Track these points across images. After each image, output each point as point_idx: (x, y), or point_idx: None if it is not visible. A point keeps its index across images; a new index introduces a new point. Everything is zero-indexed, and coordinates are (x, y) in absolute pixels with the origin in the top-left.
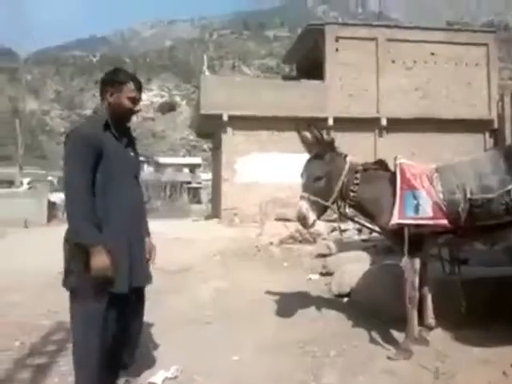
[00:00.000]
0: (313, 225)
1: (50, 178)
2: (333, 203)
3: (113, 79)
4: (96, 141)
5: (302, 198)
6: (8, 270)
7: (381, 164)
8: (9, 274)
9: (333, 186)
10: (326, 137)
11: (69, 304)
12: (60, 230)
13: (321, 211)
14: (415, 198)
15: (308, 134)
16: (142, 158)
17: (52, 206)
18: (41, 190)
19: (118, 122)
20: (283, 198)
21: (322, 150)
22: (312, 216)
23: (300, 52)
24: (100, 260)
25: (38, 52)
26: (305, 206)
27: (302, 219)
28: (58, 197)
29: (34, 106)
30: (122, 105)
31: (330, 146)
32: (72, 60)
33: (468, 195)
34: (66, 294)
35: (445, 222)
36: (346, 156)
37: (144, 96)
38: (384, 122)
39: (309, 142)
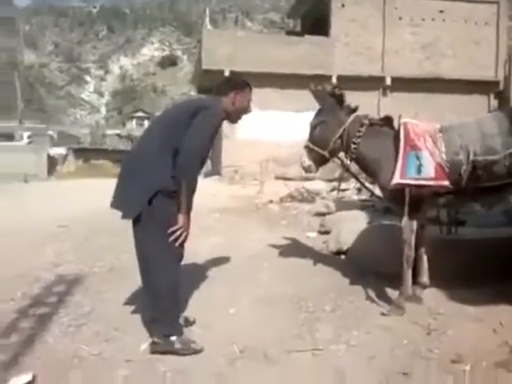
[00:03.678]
0: (309, 169)
1: (50, 132)
2: (333, 155)
3: (244, 82)
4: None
5: (304, 146)
6: (8, 223)
7: (387, 121)
8: (9, 226)
9: (329, 135)
10: (336, 90)
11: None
12: (60, 184)
13: (319, 160)
14: (418, 158)
15: (320, 88)
16: (142, 114)
17: (51, 160)
18: (41, 145)
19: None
20: (284, 157)
21: (331, 103)
22: (307, 161)
23: (305, 7)
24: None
25: (36, 1)
26: (304, 152)
27: (300, 164)
28: (58, 151)
29: (32, 58)
30: (245, 106)
31: (340, 99)
32: (71, 11)
33: (471, 156)
34: (66, 248)
35: (446, 183)
36: (353, 109)
37: (145, 50)
38: (388, 81)
39: (321, 96)
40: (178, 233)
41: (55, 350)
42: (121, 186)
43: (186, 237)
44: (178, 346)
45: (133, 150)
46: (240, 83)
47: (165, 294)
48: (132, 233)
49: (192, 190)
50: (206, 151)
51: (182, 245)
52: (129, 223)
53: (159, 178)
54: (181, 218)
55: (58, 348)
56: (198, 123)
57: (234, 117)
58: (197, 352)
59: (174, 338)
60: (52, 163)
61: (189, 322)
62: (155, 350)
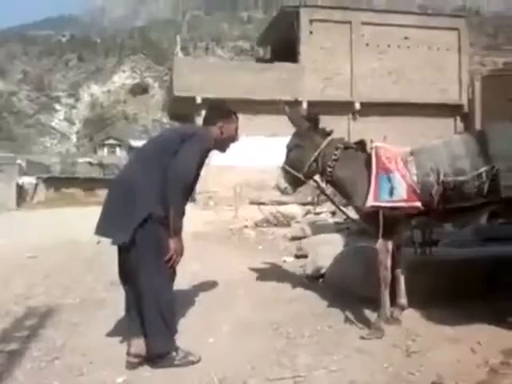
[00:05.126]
0: (285, 191)
1: (18, 161)
2: (309, 177)
3: (229, 110)
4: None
5: (281, 167)
6: None
7: (361, 144)
8: None
9: (305, 158)
10: (312, 115)
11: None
12: (30, 213)
13: (295, 182)
14: (390, 181)
15: (295, 112)
16: (114, 142)
17: (21, 189)
18: (9, 174)
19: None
20: (257, 182)
21: (306, 127)
22: (283, 183)
23: (274, 34)
24: (180, 244)
25: (3, 30)
26: (280, 174)
27: (277, 186)
28: (27, 180)
29: (0, 86)
30: (233, 134)
31: (315, 122)
32: (40, 39)
33: (441, 178)
34: (37, 279)
35: (418, 204)
36: (328, 133)
37: (116, 78)
38: (358, 106)
39: (295, 119)
40: (173, 257)
41: None
42: (108, 213)
43: (179, 259)
44: (177, 362)
45: (118, 177)
46: (226, 112)
47: (159, 314)
48: (117, 258)
49: (180, 216)
50: (194, 178)
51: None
52: (101, 253)
53: (148, 204)
54: (172, 243)
55: None
56: (184, 151)
57: (222, 146)
58: (195, 362)
59: (173, 354)
60: (21, 193)
61: None
62: (158, 367)
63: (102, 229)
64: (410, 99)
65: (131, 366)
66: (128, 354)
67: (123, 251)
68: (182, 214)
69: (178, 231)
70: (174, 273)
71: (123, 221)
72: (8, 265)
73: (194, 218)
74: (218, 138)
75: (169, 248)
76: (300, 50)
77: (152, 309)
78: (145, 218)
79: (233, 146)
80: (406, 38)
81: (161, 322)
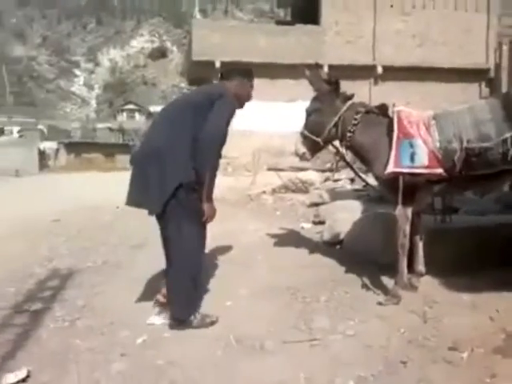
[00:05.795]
0: (304, 157)
1: (40, 126)
2: (328, 142)
3: (247, 70)
4: None
5: (300, 133)
6: (0, 217)
7: (383, 109)
8: (1, 221)
9: (324, 123)
10: (332, 78)
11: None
12: (51, 178)
13: (313, 147)
14: (411, 146)
15: (315, 75)
16: (133, 107)
17: (42, 154)
18: (31, 139)
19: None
20: (276, 147)
21: (326, 90)
22: (302, 148)
23: None
24: (213, 208)
25: None
26: (299, 140)
27: (295, 151)
28: (48, 145)
29: (20, 51)
30: (247, 93)
31: (335, 85)
32: (58, 2)
33: (465, 144)
34: (59, 242)
35: (440, 170)
36: (349, 96)
37: (134, 42)
38: (380, 70)
39: (316, 82)
40: (207, 221)
41: (50, 345)
42: (138, 183)
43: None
44: (195, 324)
45: (144, 144)
46: (243, 71)
47: (187, 281)
48: (156, 224)
49: (214, 180)
50: (225, 141)
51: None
52: (120, 217)
53: (179, 171)
54: (206, 208)
55: (52, 343)
56: (216, 113)
57: (239, 103)
58: (213, 323)
59: (191, 318)
60: (43, 158)
61: None
62: (174, 328)
63: (134, 199)
64: (435, 63)
65: (159, 304)
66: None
67: (158, 220)
68: (215, 178)
69: (210, 196)
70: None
71: (154, 190)
72: (32, 228)
73: None
74: (235, 95)
75: (202, 214)
76: (322, 11)
77: (180, 276)
78: (176, 187)
79: (252, 111)
80: None
81: (187, 289)
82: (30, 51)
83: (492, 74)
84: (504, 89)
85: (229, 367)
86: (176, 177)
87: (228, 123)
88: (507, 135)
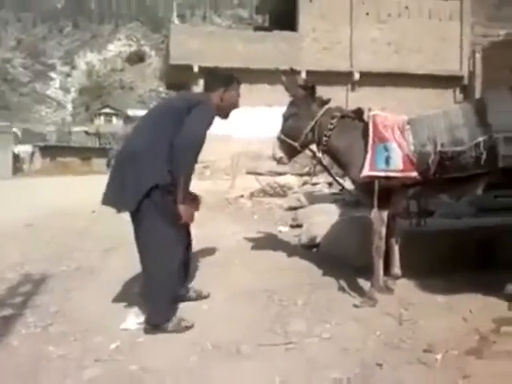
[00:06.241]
0: (281, 161)
1: (14, 129)
2: (305, 146)
3: (232, 77)
4: None
5: (277, 137)
6: None
7: (359, 113)
8: None
9: (301, 127)
10: (308, 83)
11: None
12: (26, 182)
13: (290, 152)
14: (386, 150)
15: (291, 80)
16: (110, 111)
17: (17, 158)
18: (5, 142)
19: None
20: (255, 152)
21: (302, 95)
22: (279, 152)
23: (273, 2)
24: (189, 210)
25: None
26: (276, 144)
27: (273, 155)
28: (23, 149)
29: None
30: (234, 101)
31: (311, 90)
32: (34, 5)
33: (438, 147)
34: (32, 247)
35: (415, 174)
36: (325, 101)
37: (111, 46)
38: (356, 76)
39: (291, 88)
40: (186, 223)
41: (21, 352)
42: (114, 183)
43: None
44: (171, 328)
45: (124, 147)
46: (228, 78)
47: (161, 284)
48: (131, 228)
49: (188, 184)
50: (201, 147)
51: (187, 232)
52: (96, 222)
53: (156, 172)
54: (182, 210)
55: (23, 349)
56: (193, 119)
57: (223, 112)
58: (188, 328)
59: (167, 323)
60: (17, 161)
61: (201, 296)
62: (148, 332)
63: (110, 198)
64: (410, 70)
65: None
66: None
67: (132, 219)
68: (189, 183)
69: (186, 199)
70: (188, 238)
71: (130, 190)
72: (4, 233)
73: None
74: (218, 105)
75: (178, 216)
76: (299, 18)
77: (155, 279)
78: (151, 187)
79: (231, 116)
80: (406, 7)
81: (163, 293)
82: (3, 54)
83: (466, 80)
84: (477, 95)
85: (203, 372)
86: (152, 178)
87: (205, 130)
88: (479, 139)
